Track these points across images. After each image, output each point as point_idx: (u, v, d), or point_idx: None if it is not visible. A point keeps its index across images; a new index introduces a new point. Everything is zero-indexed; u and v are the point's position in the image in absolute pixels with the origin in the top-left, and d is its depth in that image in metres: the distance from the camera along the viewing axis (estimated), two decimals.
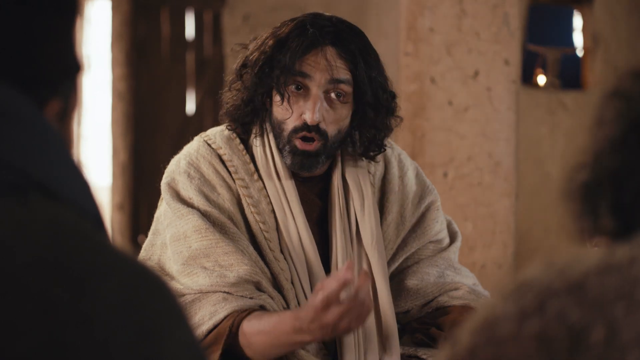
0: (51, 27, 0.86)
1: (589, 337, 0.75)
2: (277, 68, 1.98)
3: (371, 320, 2.02)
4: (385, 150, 2.09)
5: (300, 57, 1.97)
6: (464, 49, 3.73)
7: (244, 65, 2.05)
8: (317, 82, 1.98)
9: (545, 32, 6.33)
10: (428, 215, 2.14)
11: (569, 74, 6.19)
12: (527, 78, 6.09)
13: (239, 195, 2.04)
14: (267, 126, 2.05)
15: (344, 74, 1.99)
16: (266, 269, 2.00)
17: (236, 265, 1.95)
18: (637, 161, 0.84)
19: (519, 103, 3.88)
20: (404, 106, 3.72)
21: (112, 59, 6.21)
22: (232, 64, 2.12)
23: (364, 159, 2.09)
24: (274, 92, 2.02)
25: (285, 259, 2.02)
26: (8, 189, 0.79)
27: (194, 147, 2.08)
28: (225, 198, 2.02)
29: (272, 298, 1.97)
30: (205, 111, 6.49)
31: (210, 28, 6.51)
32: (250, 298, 1.94)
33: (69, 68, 0.88)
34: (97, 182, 6.07)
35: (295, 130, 2.00)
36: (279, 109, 2.01)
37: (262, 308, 1.95)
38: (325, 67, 1.98)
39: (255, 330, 1.89)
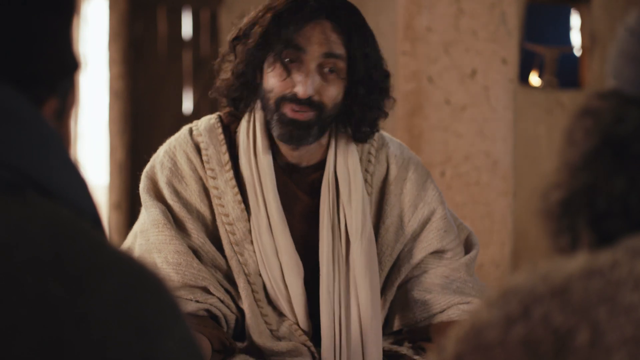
0: (49, 26, 0.86)
1: (574, 340, 0.76)
2: (272, 40, 1.95)
3: (354, 318, 1.99)
4: (378, 131, 2.05)
5: (296, 30, 1.94)
6: (461, 48, 3.73)
7: (237, 38, 2.02)
8: (311, 56, 1.94)
9: (543, 31, 6.33)
10: (434, 225, 2.07)
11: (567, 73, 6.20)
12: (525, 77, 6.10)
13: (208, 185, 2.02)
14: (257, 104, 2.01)
15: (338, 48, 1.95)
16: (224, 264, 2.00)
17: (184, 265, 1.95)
18: (609, 173, 0.85)
19: (516, 102, 3.88)
20: (401, 105, 3.72)
21: (109, 58, 6.21)
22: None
23: (356, 145, 2.04)
24: (266, 65, 1.98)
25: (255, 245, 2.00)
26: (5, 188, 0.79)
27: (176, 136, 2.08)
28: (192, 189, 2.01)
29: (221, 301, 1.97)
30: (202, 110, 6.49)
31: (207, 27, 6.51)
32: (197, 302, 1.94)
33: (67, 66, 0.88)
34: (94, 181, 6.06)
35: (284, 98, 1.94)
36: (270, 79, 1.97)
37: (208, 312, 1.96)
38: (320, 41, 1.95)
39: None
